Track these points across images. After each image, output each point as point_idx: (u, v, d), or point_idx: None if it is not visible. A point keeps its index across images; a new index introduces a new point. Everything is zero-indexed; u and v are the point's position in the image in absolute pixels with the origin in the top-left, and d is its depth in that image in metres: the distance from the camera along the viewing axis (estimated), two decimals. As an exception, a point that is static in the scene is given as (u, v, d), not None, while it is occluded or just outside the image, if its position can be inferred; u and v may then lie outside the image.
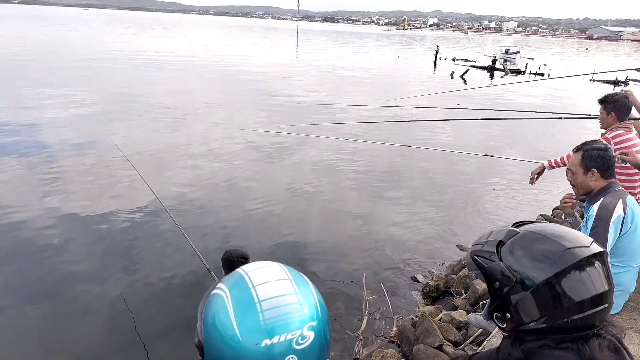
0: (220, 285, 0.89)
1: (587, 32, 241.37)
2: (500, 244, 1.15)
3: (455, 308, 4.80)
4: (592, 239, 1.10)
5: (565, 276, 1.04)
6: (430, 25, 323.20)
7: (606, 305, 1.06)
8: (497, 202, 8.07)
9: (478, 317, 2.91)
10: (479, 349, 3.42)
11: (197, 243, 3.61)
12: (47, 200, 6.83)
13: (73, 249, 5.64)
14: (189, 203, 7.11)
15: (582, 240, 1.09)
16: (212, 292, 0.90)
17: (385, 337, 4.48)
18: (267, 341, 0.81)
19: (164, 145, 9.95)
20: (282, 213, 7.09)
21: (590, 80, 25.41)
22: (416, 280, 5.76)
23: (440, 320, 4.51)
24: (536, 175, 3.87)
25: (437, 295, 5.41)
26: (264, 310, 0.82)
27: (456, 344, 3.97)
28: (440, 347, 3.88)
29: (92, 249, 5.67)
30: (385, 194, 8.17)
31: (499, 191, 8.54)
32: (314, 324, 0.85)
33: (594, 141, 2.53)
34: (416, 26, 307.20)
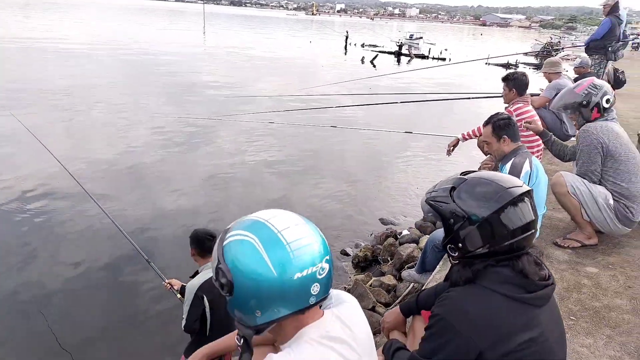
0: (240, 232, 1.05)
1: (480, 19, 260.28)
2: (452, 189, 1.40)
3: (383, 274, 5.20)
4: (523, 181, 1.39)
5: (503, 211, 1.32)
6: (338, 11, 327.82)
7: (533, 230, 1.36)
8: (418, 174, 8.66)
9: (411, 272, 3.28)
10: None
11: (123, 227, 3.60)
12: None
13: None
14: (104, 193, 6.78)
15: (515, 181, 1.37)
16: (232, 239, 1.06)
17: (323, 306, 4.74)
18: (298, 274, 1.01)
19: (70, 134, 9.28)
20: (200, 200, 6.97)
21: (486, 63, 27.68)
22: (346, 254, 6.11)
23: (371, 285, 4.88)
24: (452, 147, 4.33)
25: (365, 264, 5.80)
26: (293, 250, 1.01)
27: (387, 305, 4.35)
28: (373, 309, 4.25)
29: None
30: (309, 176, 8.37)
31: (421, 164, 9.18)
32: (328, 257, 1.07)
33: (497, 113, 2.95)
34: (325, 11, 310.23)
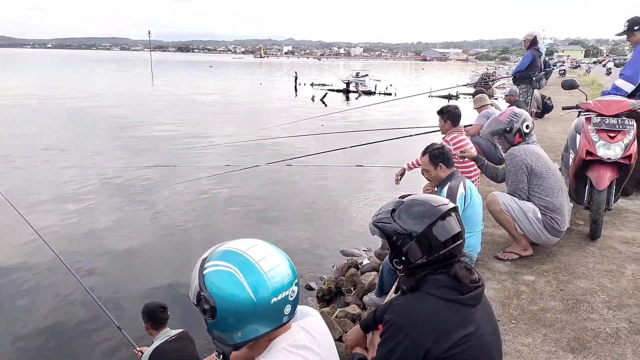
0: (220, 262, 1.22)
1: (421, 55, 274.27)
2: (393, 211, 1.66)
3: (348, 304, 5.37)
4: (449, 200, 1.67)
5: (434, 226, 1.58)
6: (285, 53, 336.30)
7: (461, 240, 1.63)
8: (372, 204, 8.97)
9: (372, 296, 3.52)
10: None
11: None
12: None
13: None
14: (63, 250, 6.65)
15: (442, 200, 1.65)
16: (214, 269, 1.22)
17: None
18: (274, 299, 1.20)
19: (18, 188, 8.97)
20: (161, 251, 6.90)
21: (429, 96, 29.19)
22: (310, 288, 6.25)
23: (336, 317, 5.04)
24: (400, 176, 4.68)
25: (330, 297, 5.95)
26: (269, 279, 1.20)
27: (354, 334, 4.51)
28: (340, 339, 4.38)
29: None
30: (268, 216, 8.48)
31: (373, 194, 9.51)
32: (296, 281, 1.27)
33: (432, 144, 3.35)
34: (272, 54, 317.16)
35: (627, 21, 4.61)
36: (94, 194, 9.21)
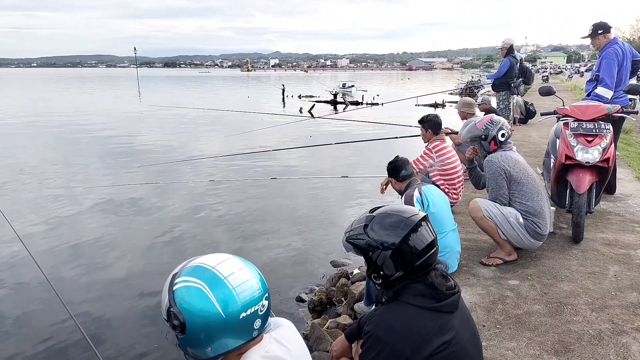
0: (189, 278, 1.23)
1: (407, 64, 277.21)
2: (365, 226, 1.67)
3: (339, 315, 5.36)
4: (419, 209, 1.70)
5: (409, 237, 1.59)
6: (272, 66, 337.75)
7: (435, 248, 1.65)
8: (359, 213, 8.97)
9: (361, 305, 3.59)
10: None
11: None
12: None
13: None
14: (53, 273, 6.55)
15: (413, 210, 1.67)
16: (182, 285, 1.23)
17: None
18: (243, 314, 1.21)
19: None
20: (151, 268, 6.77)
21: (416, 105, 29.45)
22: (301, 300, 6.22)
23: (328, 328, 5.02)
24: (385, 186, 4.70)
25: (321, 308, 5.93)
26: (238, 294, 1.21)
27: (344, 344, 4.50)
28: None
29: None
30: (257, 229, 8.43)
31: (359, 203, 9.54)
32: (267, 295, 1.29)
33: (394, 158, 3.56)
34: (260, 67, 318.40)
35: (592, 25, 4.86)
36: (77, 211, 9.12)
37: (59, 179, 11.77)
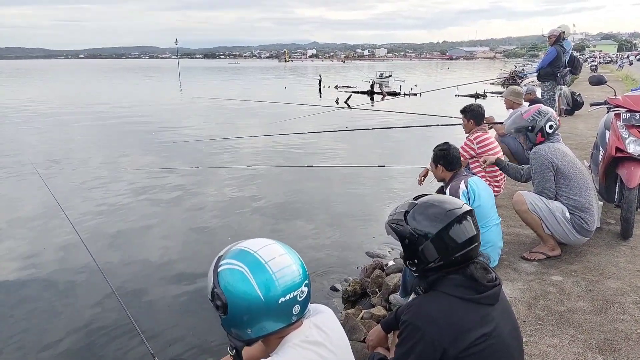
0: (232, 261, 1.27)
1: (447, 54, 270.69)
2: (406, 213, 1.66)
3: (373, 306, 5.36)
4: (464, 202, 1.66)
5: (449, 228, 1.57)
6: (310, 57, 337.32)
7: (477, 243, 1.62)
8: (395, 205, 8.90)
9: (396, 296, 3.55)
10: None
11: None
12: None
13: None
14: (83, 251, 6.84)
15: (457, 203, 1.64)
16: (226, 267, 1.27)
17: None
18: (282, 299, 1.24)
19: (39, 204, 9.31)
20: (186, 253, 6.91)
21: (455, 95, 28.76)
22: (335, 289, 6.26)
23: (362, 318, 5.03)
24: (423, 177, 4.63)
25: (355, 298, 5.94)
26: (278, 279, 1.24)
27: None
28: (364, 341, 4.39)
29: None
30: (293, 217, 8.52)
31: (397, 195, 9.46)
32: (307, 282, 1.30)
33: (444, 143, 3.37)
34: (297, 58, 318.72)
35: None
36: (121, 194, 9.49)
37: (103, 163, 12.32)
